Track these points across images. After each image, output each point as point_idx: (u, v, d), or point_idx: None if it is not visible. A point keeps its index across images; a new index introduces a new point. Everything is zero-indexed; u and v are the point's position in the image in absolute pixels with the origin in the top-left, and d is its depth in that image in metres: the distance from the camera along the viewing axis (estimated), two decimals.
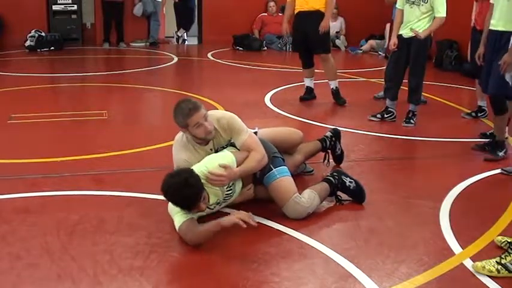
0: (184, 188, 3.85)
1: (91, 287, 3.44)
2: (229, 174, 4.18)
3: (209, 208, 4.25)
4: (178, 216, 4.00)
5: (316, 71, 8.42)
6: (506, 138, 6.03)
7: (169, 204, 4.04)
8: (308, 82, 8.40)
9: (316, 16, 7.83)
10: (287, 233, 4.15)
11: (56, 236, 4.02)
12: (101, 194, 4.70)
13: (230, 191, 4.35)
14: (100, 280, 3.50)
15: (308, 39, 7.97)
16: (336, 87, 8.17)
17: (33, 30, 13.25)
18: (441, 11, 6.75)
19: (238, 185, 4.44)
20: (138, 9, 14.12)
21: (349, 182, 4.75)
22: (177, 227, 3.99)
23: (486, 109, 7.30)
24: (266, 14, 14.45)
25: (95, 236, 4.04)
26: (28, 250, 3.84)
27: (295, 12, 8.02)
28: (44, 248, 3.85)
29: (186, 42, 14.87)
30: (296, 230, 4.16)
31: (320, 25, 7.77)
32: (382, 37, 13.12)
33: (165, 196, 3.94)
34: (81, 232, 4.11)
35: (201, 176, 4.07)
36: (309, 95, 8.38)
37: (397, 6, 7.06)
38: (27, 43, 13.14)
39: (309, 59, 8.26)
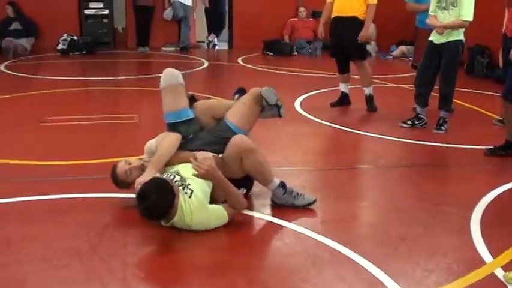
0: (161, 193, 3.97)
1: None
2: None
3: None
4: (214, 211, 4.15)
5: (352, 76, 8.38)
6: None
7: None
8: (343, 87, 8.34)
9: (353, 23, 7.79)
10: (316, 239, 4.13)
11: (86, 238, 4.05)
12: (131, 196, 4.71)
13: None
14: (129, 282, 3.51)
15: (344, 45, 7.94)
16: (370, 93, 8.12)
17: (65, 34, 13.39)
18: (465, 15, 6.67)
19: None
20: (168, 14, 14.20)
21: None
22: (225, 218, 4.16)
23: None
24: (296, 19, 14.44)
25: (125, 239, 4.06)
26: (58, 251, 3.87)
27: (333, 16, 7.99)
28: (73, 250, 3.88)
29: (217, 47, 14.89)
30: (326, 236, 4.14)
31: (359, 34, 7.74)
32: (413, 43, 13.02)
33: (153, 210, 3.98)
34: (110, 234, 4.14)
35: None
36: (341, 100, 8.31)
37: (430, 12, 7.00)
38: (60, 46, 13.28)
39: (345, 64, 8.21)
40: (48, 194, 4.80)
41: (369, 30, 7.88)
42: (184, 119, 4.68)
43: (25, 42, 13.09)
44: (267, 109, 4.78)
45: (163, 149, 4.53)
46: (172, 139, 4.60)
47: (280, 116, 4.84)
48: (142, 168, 4.52)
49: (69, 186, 5.02)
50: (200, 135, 4.71)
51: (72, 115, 7.49)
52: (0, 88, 9.36)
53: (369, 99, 8.13)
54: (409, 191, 5.30)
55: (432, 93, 7.19)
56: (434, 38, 6.92)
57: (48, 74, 11.01)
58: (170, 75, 4.80)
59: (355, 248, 3.96)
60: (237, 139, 4.49)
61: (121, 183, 4.59)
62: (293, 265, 3.79)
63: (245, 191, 4.60)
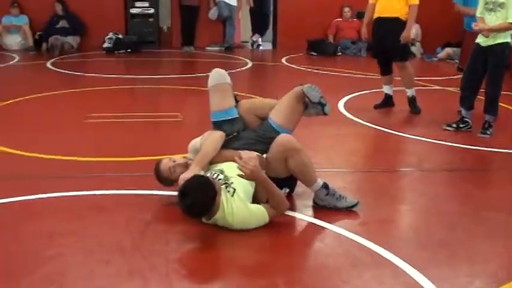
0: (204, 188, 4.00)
1: (161, 285, 3.49)
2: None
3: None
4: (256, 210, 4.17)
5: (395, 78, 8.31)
6: None
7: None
8: (387, 89, 8.28)
9: (395, 24, 7.73)
10: (357, 240, 4.11)
11: (128, 234, 4.10)
12: (174, 194, 4.74)
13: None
14: (171, 279, 3.55)
15: (386, 46, 7.89)
16: (413, 95, 8.05)
17: (111, 33, 13.55)
18: (510, 17, 6.58)
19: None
20: (213, 13, 14.25)
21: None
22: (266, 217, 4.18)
23: None
24: (341, 19, 14.38)
25: (167, 235, 4.09)
26: (101, 246, 3.92)
27: (374, 17, 7.95)
28: (116, 245, 3.93)
29: (261, 47, 14.92)
30: (367, 239, 4.11)
31: (401, 35, 7.68)
32: (458, 45, 12.86)
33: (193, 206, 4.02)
34: (153, 231, 4.18)
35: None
36: (385, 102, 8.25)
37: (477, 14, 6.91)
38: (105, 45, 13.44)
39: (387, 65, 8.15)
40: (92, 190, 4.87)
41: (411, 31, 7.82)
42: (230, 118, 4.71)
43: (72, 40, 13.30)
44: (311, 107, 4.78)
45: (207, 147, 4.57)
46: (216, 137, 4.63)
47: (325, 114, 4.84)
48: (186, 166, 4.56)
49: (113, 183, 5.07)
50: (244, 135, 4.73)
51: (117, 112, 7.58)
52: (46, 85, 9.52)
53: (412, 101, 8.06)
54: (452, 195, 5.25)
55: (478, 97, 7.10)
56: (480, 40, 6.84)
57: (94, 71, 11.17)
58: (218, 75, 4.85)
59: (396, 251, 3.93)
60: (283, 138, 4.50)
61: (165, 180, 4.63)
62: (334, 266, 3.78)
63: (288, 190, 4.60)
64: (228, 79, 4.87)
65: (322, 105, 4.76)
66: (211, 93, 4.83)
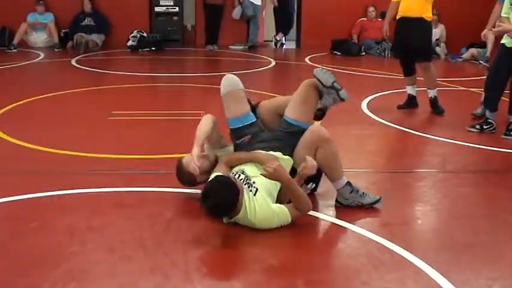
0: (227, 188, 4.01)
1: (182, 282, 3.51)
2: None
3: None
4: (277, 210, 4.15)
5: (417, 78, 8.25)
6: None
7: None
8: (410, 90, 8.22)
9: (419, 24, 7.70)
10: (378, 241, 4.10)
11: (151, 231, 4.12)
12: (196, 192, 4.75)
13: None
14: (191, 276, 3.56)
15: (409, 47, 7.84)
16: (435, 96, 8.00)
17: (136, 31, 13.62)
18: None
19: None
20: (236, 13, 14.28)
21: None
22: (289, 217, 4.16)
23: None
24: (365, 19, 14.33)
25: (188, 233, 4.11)
26: (123, 243, 3.95)
27: (398, 17, 7.91)
28: (138, 242, 3.95)
29: (284, 46, 14.91)
30: (389, 240, 4.09)
31: None
32: (483, 45, 12.77)
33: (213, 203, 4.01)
34: (174, 228, 4.20)
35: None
36: (408, 103, 8.20)
37: (502, 14, 6.86)
38: (129, 43, 13.52)
39: (410, 66, 8.10)
40: (115, 187, 4.91)
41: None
42: (247, 124, 4.71)
43: (96, 38, 13.40)
44: (325, 93, 4.65)
45: (199, 128, 4.68)
46: (206, 117, 4.75)
47: (341, 99, 4.68)
48: (207, 158, 4.64)
49: (136, 180, 5.11)
50: (263, 136, 4.69)
51: (140, 110, 7.62)
52: (70, 82, 9.59)
53: (434, 102, 8.01)
54: (475, 197, 5.21)
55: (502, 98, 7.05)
56: (506, 41, 6.78)
57: (118, 69, 11.22)
58: (230, 82, 4.82)
59: (417, 253, 3.91)
60: (316, 127, 4.52)
61: (188, 176, 4.63)
62: (355, 267, 3.77)
63: (314, 185, 4.59)
64: (241, 85, 4.82)
65: (337, 90, 4.65)
66: (225, 101, 4.81)
